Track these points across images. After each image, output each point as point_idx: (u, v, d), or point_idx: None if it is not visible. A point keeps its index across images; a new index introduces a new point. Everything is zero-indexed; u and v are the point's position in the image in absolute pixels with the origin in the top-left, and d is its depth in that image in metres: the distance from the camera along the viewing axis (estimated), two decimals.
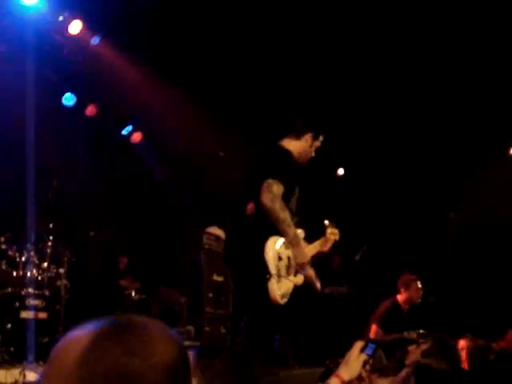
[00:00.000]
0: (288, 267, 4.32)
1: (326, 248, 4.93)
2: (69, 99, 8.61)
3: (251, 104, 9.48)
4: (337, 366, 3.73)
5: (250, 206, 4.30)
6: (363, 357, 2.46)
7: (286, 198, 4.24)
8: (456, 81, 9.05)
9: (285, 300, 4.23)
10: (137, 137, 9.83)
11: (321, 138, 4.73)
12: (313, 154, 4.74)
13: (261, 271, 4.13)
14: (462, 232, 10.72)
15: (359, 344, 2.47)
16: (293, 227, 4.30)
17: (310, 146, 4.66)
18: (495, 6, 7.45)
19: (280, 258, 4.23)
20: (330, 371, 3.46)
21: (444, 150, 10.62)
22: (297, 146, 4.60)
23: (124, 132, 9.72)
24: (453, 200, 10.82)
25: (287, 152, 4.51)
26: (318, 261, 5.07)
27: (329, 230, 5.03)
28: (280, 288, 4.17)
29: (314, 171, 10.84)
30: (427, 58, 8.61)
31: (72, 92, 8.62)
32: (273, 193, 4.12)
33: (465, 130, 10.22)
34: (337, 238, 5.07)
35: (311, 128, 4.67)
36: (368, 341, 2.52)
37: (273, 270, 4.13)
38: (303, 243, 4.53)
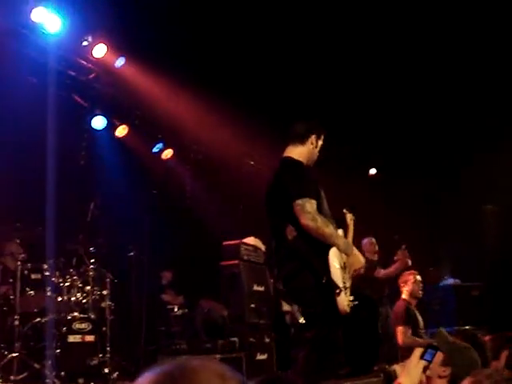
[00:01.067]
0: (349, 275, 4.33)
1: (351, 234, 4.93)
2: (98, 122, 8.71)
3: (279, 111, 9.51)
4: (385, 371, 3.74)
5: (290, 231, 4.23)
6: (423, 363, 2.50)
7: (318, 208, 4.20)
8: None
9: (350, 306, 4.23)
10: (168, 153, 9.93)
11: (323, 137, 4.66)
12: (318, 154, 4.67)
13: (322, 283, 4.10)
14: (498, 224, 10.61)
15: (418, 351, 2.50)
16: (341, 237, 4.27)
17: (316, 147, 4.59)
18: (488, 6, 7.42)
19: (342, 269, 4.22)
20: (391, 378, 3.47)
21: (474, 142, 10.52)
22: (304, 151, 4.52)
23: (155, 149, 9.82)
24: (487, 192, 10.71)
25: (300, 164, 4.44)
26: None
27: (348, 217, 4.99)
28: (348, 297, 4.18)
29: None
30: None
31: (101, 114, 8.73)
32: (309, 212, 4.06)
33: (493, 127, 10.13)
34: (354, 218, 5.02)
35: (313, 128, 4.60)
36: (427, 347, 2.54)
37: (340, 284, 4.10)
38: (357, 251, 4.48)
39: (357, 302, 4.22)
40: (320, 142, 4.63)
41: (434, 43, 8.71)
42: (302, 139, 4.55)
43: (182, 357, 7.41)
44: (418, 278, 7.57)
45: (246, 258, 8.49)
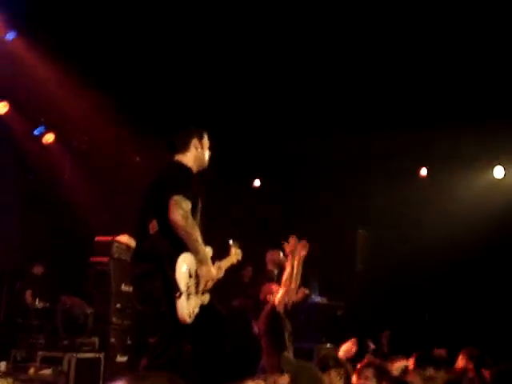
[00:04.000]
0: (197, 284, 4.27)
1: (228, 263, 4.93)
2: None
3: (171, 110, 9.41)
4: None
5: (153, 226, 4.20)
6: None
7: (192, 215, 4.18)
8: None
9: (192, 318, 4.17)
10: (49, 138, 9.54)
11: (205, 135, 4.67)
12: (208, 153, 4.67)
13: (170, 289, 4.05)
14: (370, 248, 11.03)
15: None
16: (202, 245, 4.26)
17: (202, 149, 4.60)
18: None
19: (190, 276, 4.17)
20: None
21: (356, 167, 10.88)
22: (190, 156, 4.53)
23: (36, 132, 9.41)
24: (362, 217, 11.12)
25: (186, 167, 4.43)
26: (228, 273, 5.08)
27: (233, 251, 5.02)
28: (189, 306, 4.11)
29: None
30: None
31: None
32: (183, 209, 4.04)
33: (378, 151, 10.51)
34: (239, 258, 5.08)
35: (190, 133, 4.60)
36: None
37: (183, 287, 4.06)
38: (211, 263, 4.48)
39: (197, 312, 4.19)
40: (205, 142, 4.64)
41: None
42: (184, 147, 4.54)
43: (39, 352, 7.16)
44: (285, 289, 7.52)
45: (117, 255, 8.29)
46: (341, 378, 4.12)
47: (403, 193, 10.74)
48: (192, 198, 4.18)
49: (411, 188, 10.88)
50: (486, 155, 10.55)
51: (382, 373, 4.70)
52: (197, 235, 4.15)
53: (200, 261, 4.21)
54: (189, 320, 4.10)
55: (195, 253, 4.16)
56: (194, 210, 4.24)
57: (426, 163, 11.13)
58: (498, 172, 10.87)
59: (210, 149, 4.70)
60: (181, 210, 4.03)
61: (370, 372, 4.67)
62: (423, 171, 11.16)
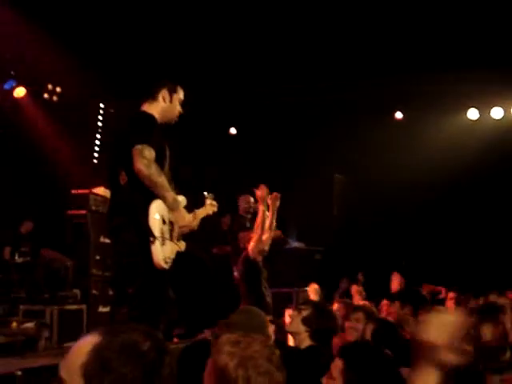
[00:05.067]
0: (171, 231, 4.31)
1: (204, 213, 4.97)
2: None
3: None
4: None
5: (123, 177, 4.20)
6: None
7: (158, 163, 4.17)
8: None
9: (168, 264, 4.21)
10: (20, 92, 9.38)
11: (179, 90, 4.59)
12: (179, 109, 4.60)
13: (144, 236, 4.09)
14: (346, 194, 11.14)
15: None
16: (171, 191, 4.26)
17: (171, 102, 4.53)
18: None
19: (164, 222, 4.20)
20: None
21: (331, 113, 10.89)
22: (157, 107, 4.46)
23: (6, 86, 9.23)
24: (338, 162, 11.19)
25: (149, 116, 4.38)
26: (207, 221, 5.14)
27: (208, 202, 5.05)
28: (164, 251, 4.15)
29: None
30: None
31: None
32: (146, 158, 4.03)
33: (352, 95, 10.51)
34: (215, 209, 5.10)
35: (162, 84, 4.53)
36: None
37: (157, 233, 4.08)
38: (184, 210, 4.50)
39: (172, 259, 4.24)
40: (176, 96, 4.56)
41: None
42: (152, 96, 4.49)
43: (21, 306, 7.22)
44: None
45: (94, 208, 8.27)
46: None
47: (378, 137, 10.79)
48: (156, 146, 4.17)
49: (386, 132, 10.93)
50: (461, 97, 10.59)
51: (370, 314, 4.90)
52: (162, 182, 4.14)
53: (170, 206, 4.24)
54: (165, 265, 4.13)
55: (163, 200, 4.18)
56: (160, 158, 4.24)
57: (401, 106, 11.16)
58: (472, 114, 10.95)
59: (182, 105, 4.63)
60: (144, 160, 4.03)
61: (360, 315, 4.87)
62: (398, 114, 11.20)
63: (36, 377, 3.48)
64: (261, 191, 6.41)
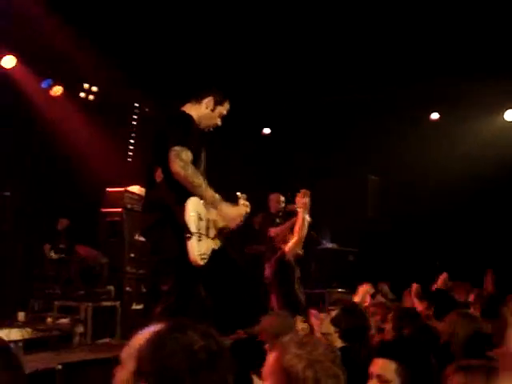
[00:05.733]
0: (208, 228, 4.31)
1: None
2: None
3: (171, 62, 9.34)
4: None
5: (159, 174, 4.23)
6: None
7: (195, 165, 4.19)
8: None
9: (204, 260, 4.21)
10: (57, 90, 9.47)
11: (226, 105, 4.63)
12: (218, 122, 4.63)
13: (180, 233, 4.10)
14: (381, 193, 11.03)
15: None
16: (209, 190, 4.27)
17: (212, 111, 4.56)
18: None
19: (201, 219, 4.21)
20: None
21: (366, 114, 10.80)
22: (197, 110, 4.51)
23: (44, 85, 9.34)
24: (373, 163, 11.10)
25: (189, 117, 4.41)
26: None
27: (241, 202, 5.05)
28: (200, 247, 4.15)
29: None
30: None
31: None
32: (183, 160, 4.06)
33: (389, 97, 10.42)
34: (248, 210, 5.10)
35: (210, 92, 4.58)
36: None
37: (193, 229, 4.09)
38: (225, 205, 4.50)
39: (208, 256, 4.22)
40: (220, 109, 4.60)
41: None
42: (197, 98, 4.54)
43: (56, 302, 7.30)
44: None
45: (129, 206, 8.37)
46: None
47: (413, 137, 10.68)
48: (193, 147, 4.19)
49: (421, 132, 10.82)
50: (498, 99, 10.43)
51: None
52: (199, 182, 4.16)
53: (212, 204, 4.25)
54: (201, 262, 4.13)
55: (203, 198, 4.20)
56: (197, 160, 4.26)
57: (437, 107, 11.03)
58: (510, 115, 10.78)
59: (223, 118, 4.65)
60: (180, 162, 4.05)
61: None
62: (434, 115, 11.07)
63: (75, 371, 3.51)
64: (301, 196, 6.41)
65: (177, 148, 4.07)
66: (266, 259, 7.16)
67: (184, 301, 4.13)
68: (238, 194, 5.08)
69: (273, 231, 7.30)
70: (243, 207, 5.03)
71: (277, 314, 3.87)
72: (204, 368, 1.56)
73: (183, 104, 4.57)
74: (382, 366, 2.58)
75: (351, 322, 4.03)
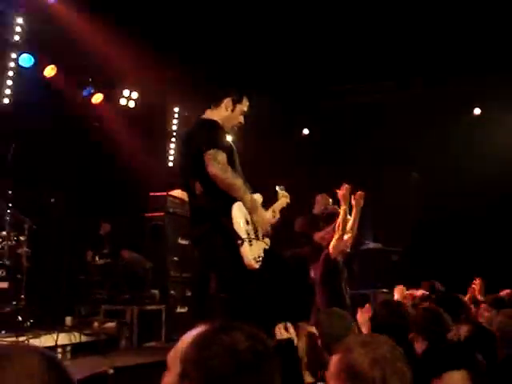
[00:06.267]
0: (256, 231, 4.31)
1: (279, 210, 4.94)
2: (26, 60, 8.31)
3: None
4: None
5: (198, 187, 4.22)
6: None
7: (230, 165, 4.19)
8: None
9: (259, 263, 4.21)
10: (98, 98, 9.61)
11: (245, 102, 4.60)
12: (240, 120, 4.61)
13: (230, 239, 4.10)
14: (423, 191, 10.86)
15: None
16: (248, 193, 4.27)
17: (233, 111, 4.54)
18: None
19: (247, 222, 4.21)
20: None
21: (407, 110, 10.67)
22: (218, 114, 4.49)
23: (85, 93, 9.48)
24: (415, 160, 10.95)
25: (213, 121, 4.41)
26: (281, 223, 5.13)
27: (281, 194, 5.02)
28: (253, 251, 4.15)
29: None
30: None
31: (29, 52, 8.31)
32: (220, 162, 4.07)
33: (431, 93, 10.28)
34: (288, 200, 5.07)
35: (227, 93, 4.56)
36: None
37: (243, 235, 4.10)
38: (262, 209, 4.49)
39: (262, 257, 4.21)
40: (240, 107, 4.58)
41: None
42: (215, 103, 4.54)
43: (102, 306, 7.39)
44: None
45: (171, 210, 8.43)
46: None
47: (456, 134, 10.50)
48: (225, 148, 4.20)
49: (464, 129, 10.64)
50: None
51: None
52: (239, 184, 4.17)
53: (249, 209, 4.24)
54: (256, 265, 4.15)
55: (242, 201, 4.19)
56: (231, 161, 4.26)
57: (479, 103, 10.84)
58: None
59: (245, 114, 4.63)
60: (218, 164, 4.06)
61: None
62: (477, 111, 10.89)
63: (126, 375, 3.55)
64: (343, 190, 6.31)
65: (211, 151, 4.08)
66: (311, 262, 7.08)
67: (245, 306, 4.12)
68: (277, 187, 5.08)
69: (317, 236, 7.17)
70: (283, 199, 5.01)
71: (334, 312, 3.80)
72: (249, 369, 1.55)
73: (205, 110, 4.57)
74: (458, 379, 2.47)
75: (392, 321, 3.97)
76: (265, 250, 4.35)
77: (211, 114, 4.51)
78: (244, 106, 4.61)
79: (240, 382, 1.54)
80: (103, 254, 8.26)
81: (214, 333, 1.63)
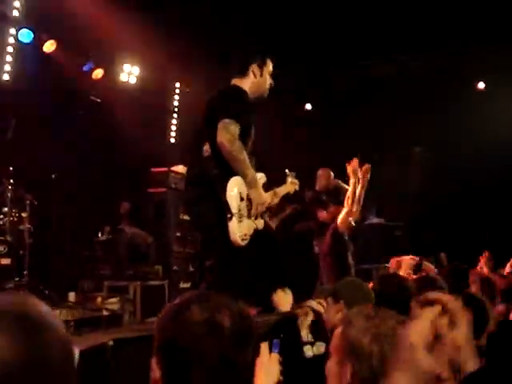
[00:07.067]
0: (249, 209, 4.26)
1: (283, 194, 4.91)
2: (25, 35, 8.22)
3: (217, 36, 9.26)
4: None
5: (206, 147, 4.18)
6: (275, 356, 2.09)
7: (242, 140, 4.11)
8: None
9: (245, 241, 4.16)
10: (98, 73, 9.52)
11: (268, 62, 4.51)
12: (269, 81, 4.51)
13: (221, 211, 4.07)
14: (426, 166, 10.79)
15: (264, 346, 2.09)
16: (251, 169, 4.22)
17: (261, 76, 4.44)
18: None
19: (242, 199, 4.16)
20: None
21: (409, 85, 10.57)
22: (248, 82, 4.40)
23: (85, 68, 9.39)
24: (416, 135, 10.87)
25: (242, 91, 4.33)
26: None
27: (289, 180, 4.98)
28: (241, 228, 4.11)
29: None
30: None
31: (27, 27, 8.23)
32: (230, 133, 4.00)
33: (433, 67, 10.16)
34: (296, 187, 5.03)
35: (251, 60, 4.45)
36: (271, 338, 2.18)
37: (234, 210, 4.04)
38: (261, 188, 4.44)
39: (249, 237, 4.17)
40: (266, 69, 4.49)
41: None
42: (242, 73, 4.43)
43: (105, 282, 7.40)
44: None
45: (173, 186, 8.40)
46: None
47: (458, 108, 10.40)
48: (243, 122, 4.12)
49: (466, 103, 10.54)
50: None
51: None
52: (244, 159, 4.10)
53: (249, 184, 4.17)
54: (242, 243, 4.08)
55: (243, 176, 4.13)
56: (245, 135, 4.19)
57: (483, 77, 10.73)
58: None
59: (273, 76, 4.54)
60: (228, 134, 4.00)
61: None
62: (480, 85, 10.78)
63: (126, 347, 3.54)
64: (353, 164, 6.31)
65: (227, 120, 4.02)
66: (316, 236, 7.05)
67: (224, 278, 4.11)
68: (287, 171, 5.02)
69: (321, 216, 7.11)
70: (291, 186, 4.97)
71: (353, 282, 3.72)
72: (222, 339, 1.58)
73: (230, 80, 4.45)
74: None
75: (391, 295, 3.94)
76: (256, 231, 4.29)
77: (240, 83, 4.41)
78: (269, 66, 4.52)
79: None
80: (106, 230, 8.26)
81: (178, 306, 1.66)
